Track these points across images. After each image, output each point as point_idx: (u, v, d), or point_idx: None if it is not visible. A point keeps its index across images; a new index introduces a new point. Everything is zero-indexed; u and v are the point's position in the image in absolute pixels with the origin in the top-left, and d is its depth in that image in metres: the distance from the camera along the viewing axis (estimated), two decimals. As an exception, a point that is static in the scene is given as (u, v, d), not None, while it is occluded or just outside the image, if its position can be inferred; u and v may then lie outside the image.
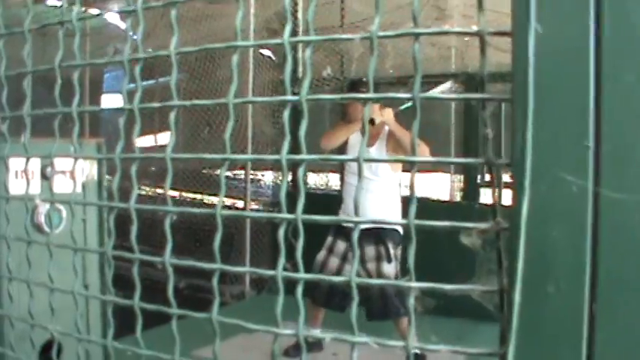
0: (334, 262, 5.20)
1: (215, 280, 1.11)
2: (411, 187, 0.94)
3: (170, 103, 1.14)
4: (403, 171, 5.42)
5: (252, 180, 8.63)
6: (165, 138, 11.27)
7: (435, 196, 9.21)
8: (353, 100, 4.86)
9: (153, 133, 10.67)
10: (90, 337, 1.32)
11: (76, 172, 2.34)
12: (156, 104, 1.19)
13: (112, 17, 9.10)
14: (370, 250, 5.12)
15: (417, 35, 0.91)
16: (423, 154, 4.81)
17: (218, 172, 10.41)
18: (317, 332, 5.48)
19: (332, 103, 8.36)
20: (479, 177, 7.20)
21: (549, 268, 0.82)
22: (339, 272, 5.08)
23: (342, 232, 5.20)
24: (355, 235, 0.97)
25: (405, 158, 0.93)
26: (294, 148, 0.99)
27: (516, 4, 0.82)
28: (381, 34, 0.93)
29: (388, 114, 4.91)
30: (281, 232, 1.02)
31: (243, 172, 8.85)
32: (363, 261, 5.15)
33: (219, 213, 1.08)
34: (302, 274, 1.01)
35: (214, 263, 1.11)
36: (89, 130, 8.88)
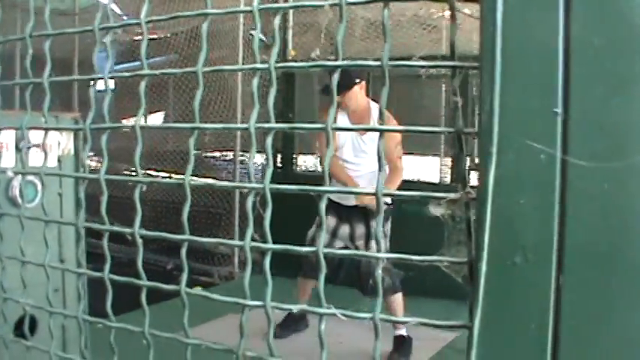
0: (324, 238, 5.17)
1: (183, 253, 1.09)
2: (379, 157, 0.92)
3: (140, 72, 1.12)
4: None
5: (241, 162, 8.61)
6: (157, 119, 11.24)
7: (424, 179, 9.20)
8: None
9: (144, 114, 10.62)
10: (61, 311, 1.30)
11: (50, 145, 2.33)
12: (126, 74, 1.17)
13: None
14: (360, 228, 5.12)
15: (386, 1, 0.89)
16: (398, 174, 4.86)
17: (210, 154, 10.40)
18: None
19: (322, 87, 8.36)
20: (468, 160, 7.19)
21: (517, 239, 0.81)
22: (329, 245, 5.06)
23: (330, 208, 5.19)
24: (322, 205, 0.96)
25: (373, 127, 0.92)
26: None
27: (485, -33, 0.80)
28: (350, 0, 0.91)
29: (390, 141, 4.82)
30: (249, 203, 1.01)
31: (232, 153, 8.84)
32: (352, 238, 5.16)
33: (187, 182, 1.06)
34: (270, 245, 1.00)
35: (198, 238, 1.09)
36: (79, 108, 8.83)
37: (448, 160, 9.06)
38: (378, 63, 0.90)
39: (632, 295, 0.77)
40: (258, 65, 0.98)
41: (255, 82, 1.00)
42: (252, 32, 8.41)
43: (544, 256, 0.79)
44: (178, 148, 9.95)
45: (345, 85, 4.88)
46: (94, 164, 9.73)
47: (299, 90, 8.10)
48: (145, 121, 10.83)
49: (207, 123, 1.07)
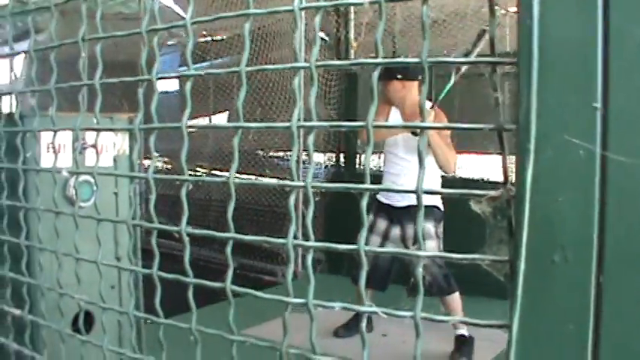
0: (375, 240, 5.15)
1: (228, 250, 1.11)
2: (419, 154, 0.91)
3: (186, 72, 1.13)
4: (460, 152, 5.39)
5: (304, 161, 8.64)
6: (221, 119, 11.35)
7: (488, 178, 9.09)
8: (384, 73, 4.81)
9: (207, 115, 10.73)
10: (112, 307, 1.33)
11: (103, 145, 2.38)
12: (173, 74, 1.19)
13: (166, 0, 9.18)
14: (411, 229, 5.09)
15: (424, -2, 0.88)
16: (450, 162, 4.81)
17: (272, 153, 10.46)
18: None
19: (380, 87, 8.34)
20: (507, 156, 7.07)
21: (556, 237, 0.79)
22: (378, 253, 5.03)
23: (382, 210, 5.18)
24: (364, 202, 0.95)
25: (415, 124, 0.91)
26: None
27: (522, -39, 0.79)
28: (390, -3, 0.91)
29: (430, 119, 4.83)
30: (291, 200, 1.02)
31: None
32: (404, 239, 5.13)
33: (231, 181, 1.07)
34: (312, 242, 1.00)
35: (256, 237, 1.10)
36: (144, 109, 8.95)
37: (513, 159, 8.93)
38: (417, 60, 0.89)
39: (675, 295, 0.75)
40: (299, 64, 0.99)
41: (297, 80, 1.00)
42: (322, 36, 8.47)
43: (584, 255, 0.78)
44: (243, 147, 10.03)
45: (387, 76, 4.90)
46: (159, 164, 9.88)
47: (362, 89, 8.10)
48: (211, 122, 10.97)
49: (275, 122, 1.08)
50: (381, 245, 5.11)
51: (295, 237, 1.01)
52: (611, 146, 0.76)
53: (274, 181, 1.63)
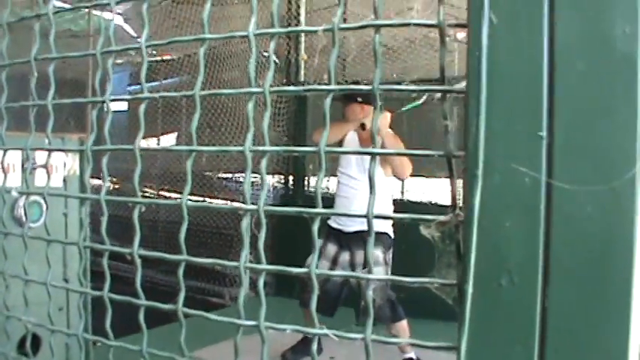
0: (325, 265, 5.15)
1: (180, 272, 1.11)
2: (370, 179, 0.93)
3: (140, 95, 1.14)
4: (402, 178, 5.44)
5: (254, 183, 8.63)
6: (169, 140, 11.29)
7: (434, 201, 9.18)
8: (344, 96, 4.86)
9: (156, 136, 10.68)
10: (61, 329, 1.32)
11: (53, 166, 2.36)
12: (127, 97, 1.19)
13: (116, 19, 9.12)
14: (360, 255, 5.10)
15: (377, 27, 0.91)
16: (405, 168, 4.85)
17: (221, 175, 10.42)
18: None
19: (334, 108, 8.38)
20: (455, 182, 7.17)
21: (503, 261, 0.81)
22: (328, 277, 5.04)
23: (332, 234, 5.19)
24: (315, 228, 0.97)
25: (366, 150, 0.93)
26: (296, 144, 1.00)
27: (471, -6, 0.82)
28: (343, 25, 0.93)
29: (383, 120, 4.88)
30: (244, 224, 1.03)
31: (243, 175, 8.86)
32: (352, 265, 5.13)
33: (184, 204, 1.08)
34: (264, 266, 1.01)
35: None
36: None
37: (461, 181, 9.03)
38: (369, 87, 0.91)
39: (616, 319, 0.78)
40: (253, 89, 1.00)
41: (251, 105, 1.01)
42: (265, 53, 8.49)
43: (530, 279, 0.80)
44: (194, 169, 9.97)
45: (347, 99, 4.93)
46: (108, 185, 9.78)
47: (311, 111, 8.14)
48: (159, 142, 10.91)
49: (224, 144, 1.09)
50: (330, 270, 5.12)
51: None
52: (555, 174, 0.79)
53: (228, 204, 1.61)
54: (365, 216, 0.92)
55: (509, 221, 0.81)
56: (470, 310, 0.82)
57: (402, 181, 6.09)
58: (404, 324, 5.02)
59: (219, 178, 10.15)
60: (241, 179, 9.94)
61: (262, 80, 0.99)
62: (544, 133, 0.79)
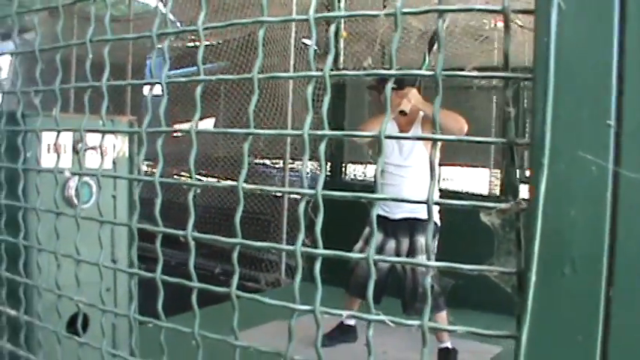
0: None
1: (234, 255, 1.11)
2: (431, 165, 0.93)
3: (195, 78, 1.14)
4: (441, 164, 5.40)
5: (291, 169, 8.64)
6: (208, 125, 11.34)
7: (473, 191, 9.13)
8: (379, 81, 4.81)
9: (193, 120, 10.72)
10: (113, 310, 1.33)
11: (106, 147, 2.38)
12: (183, 79, 1.20)
13: (154, 3, 9.17)
14: (405, 243, 5.09)
15: (440, 12, 0.90)
16: (461, 124, 4.74)
17: (259, 160, 10.46)
18: (351, 321, 5.48)
19: (373, 95, 8.36)
20: (518, 172, 7.14)
21: (566, 250, 0.81)
22: (375, 264, 5.03)
23: (378, 223, 5.16)
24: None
25: (427, 136, 0.93)
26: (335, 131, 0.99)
27: (540, -21, 0.81)
28: (405, 10, 0.92)
29: (414, 96, 4.82)
30: (301, 208, 1.03)
31: (282, 161, 8.90)
32: (398, 253, 5.12)
33: (240, 186, 1.08)
34: (320, 250, 1.01)
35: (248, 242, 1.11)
36: (131, 112, 8.96)
37: (497, 172, 8.99)
38: (431, 72, 0.91)
39: (683, 310, 0.77)
40: (313, 72, 1.00)
41: (310, 89, 1.01)
42: (305, 40, 8.48)
43: (594, 269, 0.79)
44: (229, 154, 10.03)
45: (382, 86, 4.88)
46: (144, 168, 9.85)
47: (349, 99, 8.12)
48: (196, 126, 10.92)
49: (262, 127, 1.09)
50: None
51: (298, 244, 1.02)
52: (623, 163, 0.78)
53: (284, 188, 1.61)
54: (425, 202, 0.91)
55: (574, 210, 0.80)
56: (532, 298, 0.82)
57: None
58: (444, 314, 5.01)
59: (255, 163, 10.19)
60: (277, 165, 9.97)
61: (301, 67, 0.99)
62: (612, 122, 0.78)
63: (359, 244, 5.17)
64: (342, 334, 5.43)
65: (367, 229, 5.22)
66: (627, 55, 0.78)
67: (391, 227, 5.11)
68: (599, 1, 0.79)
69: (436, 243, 4.97)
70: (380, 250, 5.16)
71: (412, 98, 4.79)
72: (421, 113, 5.01)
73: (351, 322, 5.47)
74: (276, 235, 8.27)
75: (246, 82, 1.08)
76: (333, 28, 0.99)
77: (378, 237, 5.13)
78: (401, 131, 5.08)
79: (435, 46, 4.37)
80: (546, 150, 0.80)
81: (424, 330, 0.92)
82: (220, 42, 9.92)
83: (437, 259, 0.97)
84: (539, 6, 0.81)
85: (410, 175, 4.97)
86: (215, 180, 10.23)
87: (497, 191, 8.43)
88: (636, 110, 0.77)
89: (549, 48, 0.79)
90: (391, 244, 5.17)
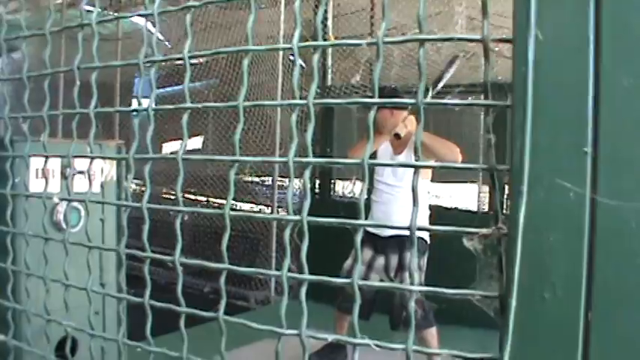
0: (360, 270, 5.11)
1: (222, 280, 1.12)
2: (414, 191, 0.94)
3: (182, 105, 1.16)
4: (432, 181, 5.41)
5: (280, 187, 8.65)
6: (195, 143, 11.34)
7: (462, 207, 9.15)
8: (377, 107, 4.83)
9: (181, 139, 10.71)
10: (102, 334, 1.34)
11: (95, 172, 2.39)
12: (169, 106, 1.21)
13: (142, 22, 9.17)
14: (394, 260, 5.10)
15: (421, 41, 0.92)
16: (455, 154, 4.77)
17: (247, 178, 10.46)
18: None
19: (361, 112, 8.39)
20: (500, 197, 7.14)
21: (546, 274, 0.82)
22: (365, 280, 5.02)
23: (368, 240, 5.17)
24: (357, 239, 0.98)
25: (409, 163, 0.94)
26: (323, 151, 1.01)
27: (517, 10, 0.83)
28: (387, 39, 0.94)
29: (411, 123, 4.86)
30: (286, 234, 1.04)
31: (271, 178, 8.91)
32: (387, 270, 5.13)
33: (227, 213, 1.09)
34: (306, 276, 1.02)
35: (233, 265, 1.12)
36: (119, 135, 8.94)
37: (486, 188, 9.02)
38: (413, 100, 0.92)
39: (660, 333, 0.78)
40: (297, 101, 1.01)
41: (294, 117, 1.03)
42: (292, 57, 8.50)
43: (573, 293, 0.81)
44: (218, 173, 10.03)
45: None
46: (133, 187, 9.85)
47: (338, 116, 8.14)
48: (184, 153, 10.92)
49: (247, 149, 1.10)
50: (366, 274, 5.13)
51: (286, 269, 1.04)
52: (599, 190, 0.80)
53: (270, 215, 1.63)
54: (408, 228, 0.93)
55: (553, 236, 0.82)
56: (513, 322, 0.83)
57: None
58: (434, 330, 5.01)
59: (245, 181, 10.19)
60: (266, 183, 9.98)
61: (289, 84, 1.00)
62: (589, 149, 0.80)
63: (348, 262, 5.19)
64: (332, 352, 5.42)
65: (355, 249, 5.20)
66: (602, 83, 0.80)
67: (380, 244, 5.12)
68: (575, 31, 0.81)
69: (424, 261, 4.98)
70: (369, 266, 5.18)
71: (409, 124, 4.80)
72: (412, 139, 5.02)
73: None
74: (265, 252, 8.28)
75: (235, 97, 1.09)
76: (317, 56, 1.01)
77: (367, 253, 5.17)
78: (394, 152, 5.11)
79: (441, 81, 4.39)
80: (525, 177, 0.82)
81: (408, 354, 0.93)
82: (209, 60, 9.95)
83: (425, 276, 0.99)
84: (516, 35, 0.83)
85: (401, 196, 5.00)
86: (204, 199, 10.22)
87: (486, 207, 8.45)
88: (611, 137, 0.79)
89: (527, 77, 0.81)
90: (380, 260, 5.17)
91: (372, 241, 5.12)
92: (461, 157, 4.85)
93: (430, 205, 5.35)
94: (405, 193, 4.97)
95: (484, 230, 0.89)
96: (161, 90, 10.24)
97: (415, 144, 0.95)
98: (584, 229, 0.80)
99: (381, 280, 5.09)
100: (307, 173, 1.01)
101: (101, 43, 1.33)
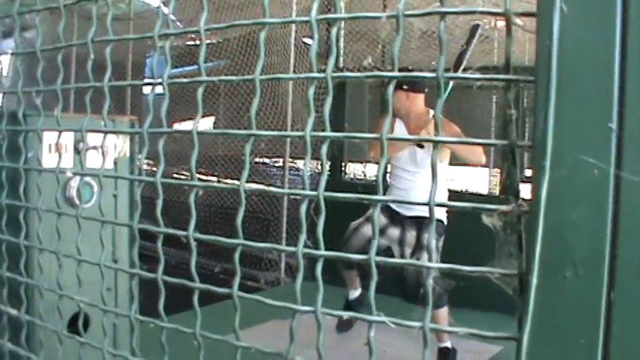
0: (369, 229, 5.09)
1: (236, 256, 1.12)
2: (433, 168, 0.93)
3: (197, 79, 1.14)
4: (450, 164, 5.37)
5: (292, 168, 8.64)
6: (207, 123, 11.34)
7: (473, 191, 9.13)
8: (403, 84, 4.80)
9: (193, 119, 10.74)
10: (114, 310, 1.33)
11: (108, 147, 2.38)
12: (184, 80, 1.20)
13: (154, 3, 9.17)
14: (411, 235, 5.06)
15: (442, 14, 0.90)
16: (478, 157, 4.74)
17: (259, 159, 10.46)
18: (356, 294, 5.51)
19: (373, 94, 8.35)
20: (518, 172, 7.13)
21: (568, 252, 0.81)
22: (370, 240, 4.99)
23: (386, 210, 5.12)
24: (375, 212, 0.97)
25: (428, 138, 0.93)
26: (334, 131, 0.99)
27: (542, -18, 0.81)
28: (408, 12, 0.92)
29: (430, 126, 4.79)
30: (302, 209, 1.03)
31: (282, 160, 8.91)
32: (401, 242, 5.10)
33: (242, 188, 1.08)
34: (322, 252, 1.01)
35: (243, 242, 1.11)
36: (131, 112, 8.94)
37: (496, 172, 9.00)
38: (433, 75, 0.91)
39: (684, 313, 0.77)
40: (315, 74, 1.00)
41: (311, 91, 1.01)
42: (305, 40, 8.48)
43: (595, 271, 0.80)
44: (229, 153, 10.04)
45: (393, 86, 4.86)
46: (145, 167, 9.86)
47: (350, 98, 8.11)
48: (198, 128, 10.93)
49: (259, 129, 1.09)
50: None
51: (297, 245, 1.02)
52: (624, 166, 0.78)
53: (286, 190, 1.62)
54: (427, 204, 0.92)
55: (575, 213, 0.80)
56: (533, 300, 0.82)
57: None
58: (445, 311, 4.99)
59: (256, 162, 10.19)
60: (277, 164, 9.98)
61: (301, 67, 0.99)
62: (614, 125, 0.78)
63: (359, 220, 5.16)
64: (339, 325, 5.53)
65: (371, 210, 5.16)
66: (629, 58, 0.78)
67: (399, 218, 5.08)
68: (602, 4, 0.79)
69: (441, 242, 4.96)
70: (381, 232, 5.12)
71: (430, 128, 4.74)
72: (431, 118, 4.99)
73: (355, 294, 5.51)
74: (275, 234, 8.28)
75: (247, 81, 1.08)
76: (334, 30, 0.99)
77: (382, 219, 5.14)
78: (411, 134, 5.06)
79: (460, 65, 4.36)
80: (548, 153, 0.80)
81: (425, 332, 0.92)
82: (220, 40, 9.93)
83: (442, 257, 0.97)
84: (541, 9, 0.82)
85: (420, 180, 4.95)
86: (215, 179, 10.23)
87: (496, 191, 8.44)
88: (637, 113, 0.77)
89: (551, 51, 0.80)
90: (395, 231, 5.12)
91: (391, 214, 5.09)
92: (484, 159, 4.84)
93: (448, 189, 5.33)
94: (424, 178, 4.92)
95: (504, 207, 0.87)
96: (173, 71, 10.22)
97: (435, 119, 0.93)
98: (608, 206, 0.79)
99: (389, 249, 5.08)
100: (324, 148, 1.00)
101: (114, 24, 1.32)
